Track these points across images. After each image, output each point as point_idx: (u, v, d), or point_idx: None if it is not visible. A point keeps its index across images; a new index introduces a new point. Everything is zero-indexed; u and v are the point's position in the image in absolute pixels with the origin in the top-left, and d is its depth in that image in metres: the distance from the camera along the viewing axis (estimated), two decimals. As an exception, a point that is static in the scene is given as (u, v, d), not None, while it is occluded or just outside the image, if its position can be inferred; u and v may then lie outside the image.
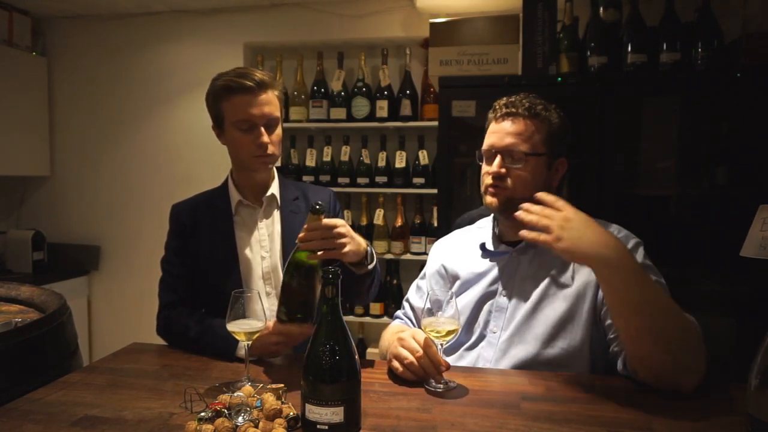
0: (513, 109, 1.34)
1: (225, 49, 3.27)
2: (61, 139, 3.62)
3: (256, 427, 0.94)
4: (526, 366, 1.27)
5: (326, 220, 1.23)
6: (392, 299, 3.12)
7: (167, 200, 1.69)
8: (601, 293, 1.24)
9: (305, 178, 3.16)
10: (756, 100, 2.05)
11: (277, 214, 1.59)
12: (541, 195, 1.17)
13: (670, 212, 2.28)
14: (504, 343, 1.30)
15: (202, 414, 0.97)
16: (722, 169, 2.14)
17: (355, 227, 3.13)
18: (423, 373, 1.17)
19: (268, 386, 1.08)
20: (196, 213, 1.58)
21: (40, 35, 3.56)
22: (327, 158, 3.17)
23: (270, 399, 1.00)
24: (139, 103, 3.49)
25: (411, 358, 1.17)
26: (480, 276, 1.40)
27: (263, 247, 1.55)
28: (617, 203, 2.15)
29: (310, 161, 3.18)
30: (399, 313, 1.57)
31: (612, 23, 2.24)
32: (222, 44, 3.30)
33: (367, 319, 3.15)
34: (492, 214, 1.49)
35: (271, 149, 1.48)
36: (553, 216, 1.12)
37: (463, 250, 1.48)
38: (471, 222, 1.61)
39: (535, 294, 1.31)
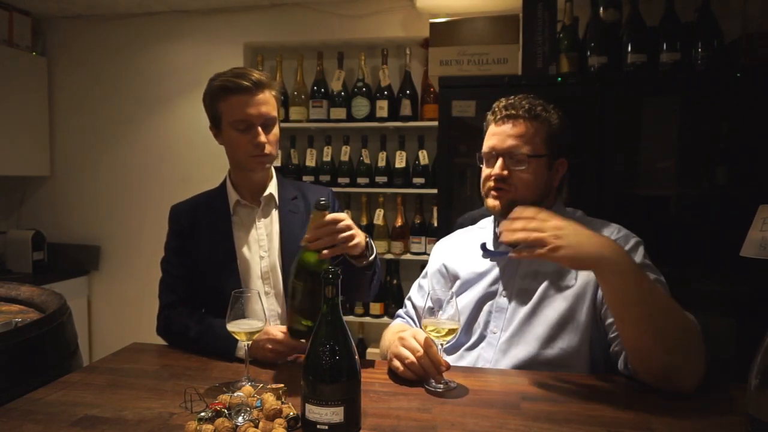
0: (513, 111, 1.34)
1: (225, 49, 3.27)
2: (61, 139, 3.62)
3: (256, 427, 0.94)
4: (526, 366, 1.27)
5: (331, 215, 1.21)
6: (392, 299, 3.12)
7: (167, 200, 1.70)
8: (600, 293, 1.24)
9: (305, 178, 3.16)
10: (756, 100, 2.05)
11: (275, 213, 1.59)
12: (519, 210, 1.13)
13: (670, 212, 2.28)
14: (504, 344, 1.30)
15: (202, 414, 0.97)
16: (722, 169, 2.14)
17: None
18: (423, 373, 1.17)
19: (268, 386, 1.08)
20: (194, 214, 1.58)
21: (40, 35, 3.56)
22: (327, 158, 3.17)
23: (270, 399, 1.00)
24: (139, 103, 3.49)
25: (412, 357, 1.17)
26: (480, 276, 1.40)
27: (261, 246, 1.56)
28: (617, 203, 2.15)
29: (310, 161, 3.18)
30: (401, 312, 1.57)
31: (612, 23, 2.24)
32: (222, 44, 3.29)
33: (367, 319, 3.15)
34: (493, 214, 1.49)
35: (268, 149, 1.48)
36: (542, 228, 1.09)
37: (464, 250, 1.48)
38: (472, 222, 1.61)
39: (536, 294, 1.31)
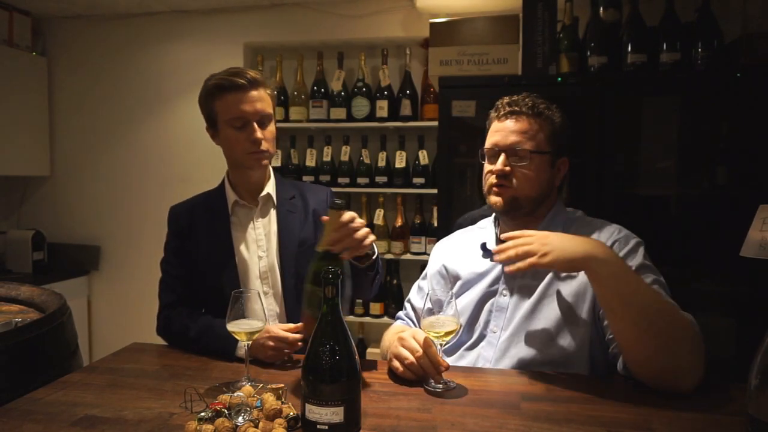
0: (516, 108, 1.34)
1: (225, 49, 3.27)
2: (61, 139, 3.62)
3: (256, 427, 0.94)
4: (526, 366, 1.27)
5: (348, 214, 1.18)
6: (392, 299, 3.12)
7: (167, 200, 1.70)
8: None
9: (305, 178, 3.16)
10: (756, 100, 2.05)
11: (273, 213, 1.59)
12: (506, 235, 1.20)
13: (670, 212, 2.28)
14: (504, 343, 1.31)
15: (202, 414, 0.97)
16: (722, 169, 2.14)
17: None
18: (423, 373, 1.17)
19: (268, 386, 1.08)
20: (193, 214, 1.58)
21: (40, 35, 3.56)
22: (327, 158, 3.17)
23: (270, 399, 1.00)
24: (139, 103, 3.49)
25: (411, 358, 1.17)
26: (481, 276, 1.40)
27: (260, 246, 1.56)
28: (617, 203, 2.15)
29: (310, 161, 3.18)
30: (401, 313, 1.57)
31: (612, 23, 2.24)
32: (222, 44, 3.29)
33: (367, 319, 3.15)
34: (493, 214, 1.49)
35: (265, 145, 1.48)
36: (529, 241, 1.14)
37: (464, 250, 1.48)
38: (472, 222, 1.61)
39: (536, 294, 1.31)
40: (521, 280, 1.34)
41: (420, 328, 1.35)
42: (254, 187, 1.58)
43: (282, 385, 1.08)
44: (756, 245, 1.53)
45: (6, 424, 1.00)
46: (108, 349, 1.63)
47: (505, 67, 2.28)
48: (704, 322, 1.16)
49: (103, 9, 3.38)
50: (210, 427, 0.94)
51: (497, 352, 1.31)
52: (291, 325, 1.36)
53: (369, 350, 3.20)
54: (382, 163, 3.09)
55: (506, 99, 1.38)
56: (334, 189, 1.78)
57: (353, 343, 0.99)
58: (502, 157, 1.32)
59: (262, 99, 1.48)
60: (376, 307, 3.12)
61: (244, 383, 1.15)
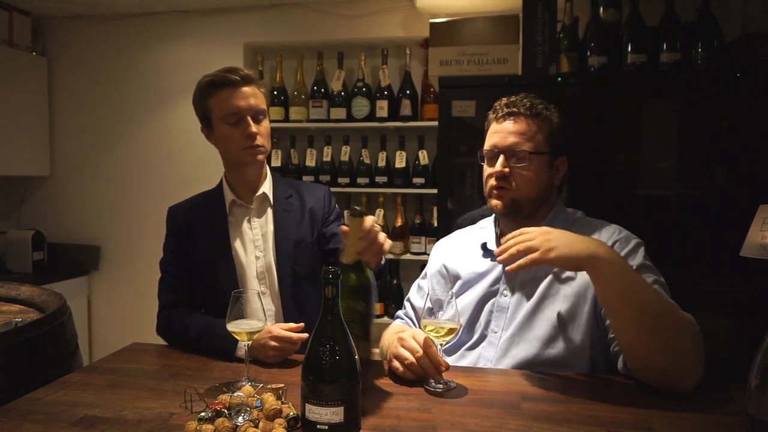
0: (514, 109, 1.34)
1: (225, 49, 3.27)
2: (61, 139, 3.62)
3: (256, 427, 0.94)
4: (526, 365, 1.27)
5: (369, 218, 1.13)
6: (392, 299, 3.12)
7: (167, 200, 1.70)
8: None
9: (305, 178, 3.16)
10: (756, 100, 2.05)
11: (270, 212, 1.59)
12: (506, 237, 1.17)
13: (670, 212, 2.28)
14: (505, 343, 1.31)
15: (202, 414, 0.97)
16: (722, 169, 2.14)
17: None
18: (423, 373, 1.17)
19: (268, 386, 1.08)
20: (191, 214, 1.59)
21: (40, 35, 3.56)
22: (327, 158, 3.17)
23: (270, 399, 1.00)
24: (139, 103, 3.49)
25: (411, 358, 1.17)
26: (481, 276, 1.40)
27: (257, 246, 1.56)
28: (617, 203, 2.15)
29: (310, 161, 3.18)
30: (400, 312, 1.57)
31: (612, 23, 2.24)
32: (222, 44, 3.29)
33: (367, 319, 3.14)
34: (494, 214, 1.49)
35: (260, 140, 1.49)
36: (530, 237, 1.12)
37: (464, 250, 1.48)
38: (472, 222, 1.61)
39: (537, 294, 1.31)
40: (522, 280, 1.34)
41: (420, 327, 1.35)
42: (251, 186, 1.58)
43: (282, 385, 1.08)
44: (756, 245, 1.53)
45: (6, 424, 1.00)
46: (108, 349, 1.63)
47: (505, 67, 2.28)
48: (704, 322, 1.16)
49: (103, 9, 3.38)
50: (210, 427, 0.94)
51: (498, 352, 1.31)
52: (292, 325, 1.36)
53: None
54: (382, 163, 3.09)
55: (504, 100, 1.38)
56: (334, 189, 1.79)
57: (353, 343, 0.99)
58: (501, 158, 1.33)
59: (255, 95, 1.49)
60: (375, 307, 3.12)
61: (244, 383, 1.15)
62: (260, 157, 1.52)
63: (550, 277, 1.31)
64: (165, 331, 1.51)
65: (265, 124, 1.52)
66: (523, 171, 1.32)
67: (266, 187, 1.59)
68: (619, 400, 1.09)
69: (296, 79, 3.22)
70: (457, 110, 2.26)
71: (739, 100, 2.12)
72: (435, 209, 2.97)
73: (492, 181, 1.34)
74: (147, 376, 1.24)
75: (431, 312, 1.21)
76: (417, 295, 1.53)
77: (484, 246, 1.43)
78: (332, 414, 0.93)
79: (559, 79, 2.20)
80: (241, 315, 1.18)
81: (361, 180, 3.11)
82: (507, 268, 1.16)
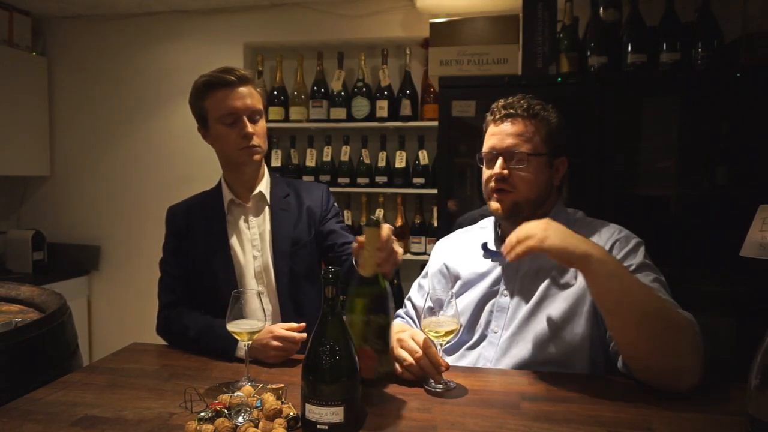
0: (512, 110, 1.34)
1: (225, 49, 3.27)
2: (61, 139, 3.62)
3: (256, 427, 0.94)
4: (526, 365, 1.27)
5: (386, 227, 1.10)
6: (392, 299, 3.11)
7: (167, 200, 1.70)
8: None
9: (305, 178, 3.16)
10: (756, 100, 2.05)
11: (267, 212, 1.59)
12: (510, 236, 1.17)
13: (670, 212, 2.28)
14: (505, 343, 1.31)
15: (202, 414, 0.97)
16: (722, 169, 2.14)
17: (355, 227, 3.14)
18: (423, 374, 1.16)
19: (268, 386, 1.08)
20: (190, 214, 1.59)
21: (40, 35, 3.56)
22: (327, 158, 3.17)
23: (270, 399, 1.00)
24: (139, 103, 3.49)
25: (410, 359, 1.17)
26: (482, 276, 1.40)
27: (255, 246, 1.56)
28: (617, 203, 2.15)
29: (310, 161, 3.18)
30: (400, 311, 1.57)
31: (612, 23, 2.24)
32: (222, 44, 3.29)
33: (367, 319, 3.14)
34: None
35: (256, 140, 1.49)
36: (530, 227, 1.14)
37: (464, 250, 1.48)
38: (472, 222, 1.61)
39: (537, 294, 1.31)
40: (522, 280, 1.34)
41: (420, 326, 1.35)
42: (249, 186, 1.58)
43: (282, 385, 1.08)
44: (756, 245, 1.53)
45: (6, 424, 1.00)
46: (108, 349, 1.63)
47: (505, 67, 2.28)
48: (704, 322, 1.16)
49: (103, 9, 3.38)
50: (210, 427, 0.94)
51: (498, 351, 1.31)
52: (294, 325, 1.36)
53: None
54: (382, 163, 3.09)
55: (501, 102, 1.38)
56: (334, 189, 1.79)
57: (353, 343, 0.99)
58: (500, 160, 1.32)
59: (251, 95, 1.49)
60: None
61: (244, 383, 1.15)
62: (256, 156, 1.52)
63: (550, 278, 1.31)
64: (165, 331, 1.51)
65: (262, 124, 1.53)
66: (522, 173, 1.32)
67: (263, 187, 1.59)
68: (619, 400, 1.09)
69: (296, 79, 3.22)
70: (457, 110, 2.26)
71: (739, 100, 2.12)
72: (435, 209, 2.97)
73: (491, 184, 1.34)
74: (147, 376, 1.24)
75: (431, 311, 1.22)
76: (418, 294, 1.54)
77: (484, 246, 1.43)
78: (332, 414, 0.93)
79: (559, 79, 2.20)
80: (241, 315, 1.18)
81: (361, 180, 3.11)
82: (506, 256, 1.16)
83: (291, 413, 0.98)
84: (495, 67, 2.29)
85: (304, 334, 1.33)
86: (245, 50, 3.31)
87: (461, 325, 1.32)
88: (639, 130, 2.27)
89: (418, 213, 3.10)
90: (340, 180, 3.13)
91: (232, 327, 1.17)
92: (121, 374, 1.25)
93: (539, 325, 1.28)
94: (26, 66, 3.40)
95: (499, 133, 1.34)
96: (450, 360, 1.34)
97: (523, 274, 1.35)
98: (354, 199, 3.23)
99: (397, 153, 3.07)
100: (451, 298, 1.19)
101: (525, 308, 1.31)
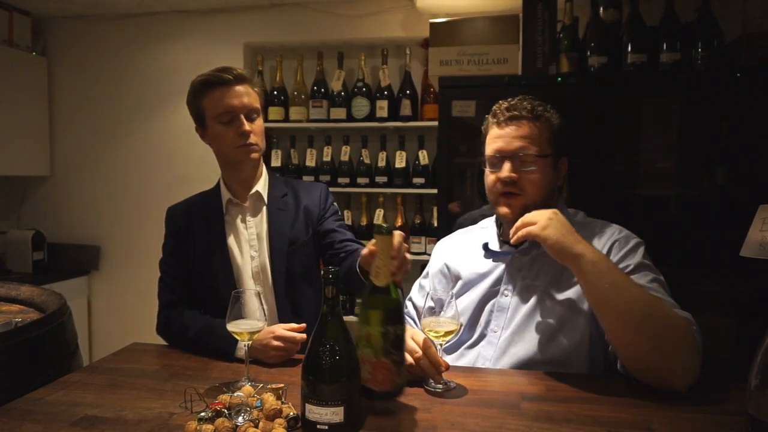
0: (516, 112, 1.33)
1: (225, 49, 3.27)
2: (61, 139, 3.62)
3: (256, 427, 0.94)
4: (525, 365, 1.27)
5: (398, 234, 1.08)
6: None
7: (167, 200, 1.70)
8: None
9: (305, 178, 3.16)
10: (756, 100, 2.05)
11: (265, 211, 1.59)
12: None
13: (670, 212, 2.28)
14: (504, 342, 1.31)
15: (202, 414, 0.97)
16: (722, 169, 2.14)
17: (355, 227, 3.13)
18: (422, 374, 1.16)
19: (268, 386, 1.08)
20: (190, 214, 1.59)
21: (40, 35, 3.56)
22: (327, 158, 3.17)
23: (270, 399, 1.00)
24: (139, 103, 3.49)
25: (410, 359, 1.16)
26: (483, 276, 1.40)
27: (252, 246, 1.56)
28: (617, 203, 2.15)
29: (310, 161, 3.18)
30: (400, 312, 1.57)
31: (612, 23, 2.24)
32: (222, 44, 3.29)
33: (367, 319, 3.14)
34: (494, 215, 1.49)
35: (254, 138, 1.49)
36: (536, 214, 1.20)
37: (465, 250, 1.48)
38: (473, 222, 1.61)
39: (537, 294, 1.31)
40: (523, 280, 1.34)
41: (420, 326, 1.35)
42: (246, 185, 1.58)
43: (282, 385, 1.08)
44: (756, 245, 1.53)
45: (6, 424, 1.00)
46: (108, 349, 1.63)
47: (505, 67, 2.28)
48: (704, 322, 1.16)
49: (103, 9, 3.38)
50: (210, 427, 0.94)
51: (497, 351, 1.31)
52: (294, 325, 1.36)
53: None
54: (382, 163, 3.09)
55: (504, 104, 1.37)
56: (334, 189, 1.79)
57: (353, 343, 0.99)
58: (508, 164, 1.31)
59: (248, 93, 1.49)
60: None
61: (244, 383, 1.15)
62: (254, 155, 1.52)
63: (550, 278, 1.31)
64: (165, 331, 1.51)
65: (259, 123, 1.52)
66: (531, 175, 1.31)
67: (260, 186, 1.59)
68: (619, 400, 1.09)
69: (296, 79, 3.22)
70: (457, 110, 2.26)
71: (739, 100, 2.12)
72: (435, 209, 2.97)
73: (499, 187, 1.33)
74: (147, 376, 1.24)
75: (432, 311, 1.22)
76: (418, 294, 1.54)
77: (485, 246, 1.43)
78: (332, 414, 0.93)
79: (559, 79, 2.20)
80: (241, 315, 1.18)
81: (361, 180, 3.11)
82: (512, 240, 1.22)
83: (291, 413, 0.98)
84: (495, 67, 2.29)
85: (305, 335, 1.33)
86: (245, 50, 3.31)
87: (461, 325, 1.32)
88: (639, 130, 2.27)
89: (418, 213, 3.10)
90: (340, 180, 3.13)
91: (232, 327, 1.17)
92: (121, 374, 1.25)
93: (539, 325, 1.28)
94: (26, 66, 3.40)
95: (505, 136, 1.33)
96: (449, 359, 1.34)
97: (524, 275, 1.35)
98: (354, 199, 3.23)
99: (397, 153, 3.07)
100: (452, 298, 1.19)
101: (525, 308, 1.31)
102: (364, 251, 1.22)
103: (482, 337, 1.35)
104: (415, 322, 1.51)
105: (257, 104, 1.51)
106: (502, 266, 1.38)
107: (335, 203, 1.70)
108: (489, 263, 1.41)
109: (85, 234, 3.60)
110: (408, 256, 1.13)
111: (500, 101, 1.39)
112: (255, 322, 1.18)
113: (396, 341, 1.00)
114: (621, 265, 1.24)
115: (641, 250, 1.28)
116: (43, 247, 3.46)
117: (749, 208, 1.59)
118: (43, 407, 1.07)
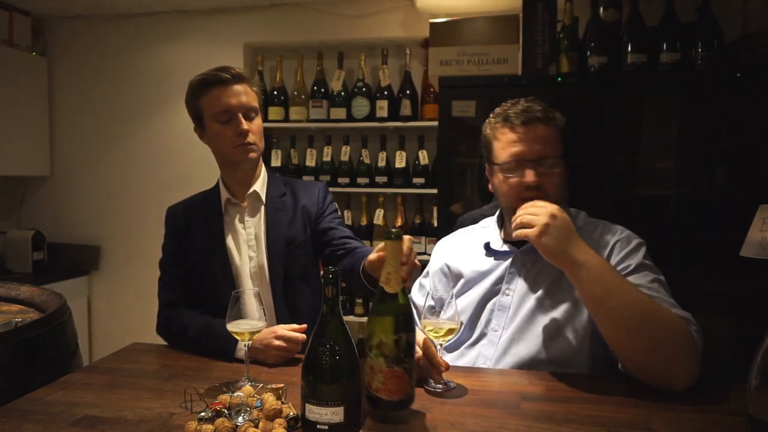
0: (530, 115, 1.31)
1: (225, 49, 3.27)
2: (61, 139, 3.62)
3: (256, 427, 0.94)
4: (526, 364, 1.27)
5: (407, 238, 1.06)
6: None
7: (167, 200, 1.70)
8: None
9: (305, 178, 3.16)
10: (756, 100, 2.05)
11: (263, 211, 1.58)
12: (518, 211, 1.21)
13: (670, 212, 2.28)
14: (505, 342, 1.31)
15: (202, 414, 0.97)
16: (722, 169, 2.14)
17: (355, 227, 3.13)
18: (422, 374, 1.16)
19: (268, 386, 1.08)
20: (189, 214, 1.59)
21: (40, 35, 3.56)
22: (327, 158, 3.17)
23: (270, 399, 1.00)
24: (139, 103, 3.49)
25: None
26: (484, 275, 1.39)
27: (251, 246, 1.56)
28: (617, 203, 2.15)
29: (310, 161, 3.18)
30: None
31: (612, 23, 2.24)
32: (222, 44, 3.30)
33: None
34: (495, 214, 1.49)
35: (252, 137, 1.49)
36: (537, 212, 1.16)
37: (466, 250, 1.48)
38: (473, 222, 1.61)
39: (538, 293, 1.31)
40: (524, 280, 1.34)
41: (420, 325, 1.35)
42: (245, 185, 1.58)
43: (282, 385, 1.08)
44: (756, 245, 1.52)
45: (6, 424, 1.00)
46: (108, 349, 1.63)
47: (505, 67, 2.28)
48: (704, 322, 1.16)
49: (103, 9, 3.38)
50: (210, 427, 0.94)
51: (498, 350, 1.31)
52: (295, 326, 1.36)
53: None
54: (382, 163, 3.09)
55: (516, 108, 1.33)
56: (334, 189, 1.79)
57: (353, 343, 0.99)
58: (531, 168, 1.29)
59: (247, 93, 1.49)
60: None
61: (244, 383, 1.15)
62: (252, 155, 1.51)
63: (552, 278, 1.31)
64: (165, 331, 1.51)
65: (258, 122, 1.52)
66: (553, 179, 1.30)
67: (258, 186, 1.59)
68: (619, 400, 1.09)
69: (296, 79, 3.22)
70: (457, 110, 2.26)
71: (739, 100, 2.12)
72: (435, 209, 2.97)
73: (522, 192, 1.29)
74: (147, 376, 1.24)
75: (432, 310, 1.21)
76: (418, 293, 1.53)
77: (487, 246, 1.42)
78: (332, 414, 0.93)
79: (559, 79, 2.20)
80: (241, 315, 1.18)
81: (361, 180, 3.11)
82: (513, 233, 1.20)
83: (291, 413, 0.98)
84: (495, 67, 2.29)
85: (305, 335, 1.33)
86: (245, 50, 3.31)
87: (462, 324, 1.32)
88: (639, 130, 2.27)
89: (418, 213, 3.10)
90: (340, 180, 3.13)
91: (232, 327, 1.17)
92: (121, 374, 1.25)
93: (540, 324, 1.28)
94: (26, 66, 3.40)
95: (523, 140, 1.30)
96: (449, 359, 1.34)
97: (526, 274, 1.35)
98: (354, 199, 3.23)
99: (397, 153, 3.07)
100: (452, 298, 1.19)
101: (526, 307, 1.31)
102: (372, 256, 1.21)
103: (482, 336, 1.35)
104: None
105: (255, 103, 1.51)
106: (503, 265, 1.37)
107: (334, 202, 1.70)
108: (490, 262, 1.40)
109: (85, 234, 3.60)
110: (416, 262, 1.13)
111: (503, 104, 1.37)
112: (255, 322, 1.18)
113: (409, 348, 0.99)
114: (622, 266, 1.24)
115: (642, 251, 1.28)
116: (43, 247, 3.46)
117: (749, 208, 1.59)
118: (43, 407, 1.07)
